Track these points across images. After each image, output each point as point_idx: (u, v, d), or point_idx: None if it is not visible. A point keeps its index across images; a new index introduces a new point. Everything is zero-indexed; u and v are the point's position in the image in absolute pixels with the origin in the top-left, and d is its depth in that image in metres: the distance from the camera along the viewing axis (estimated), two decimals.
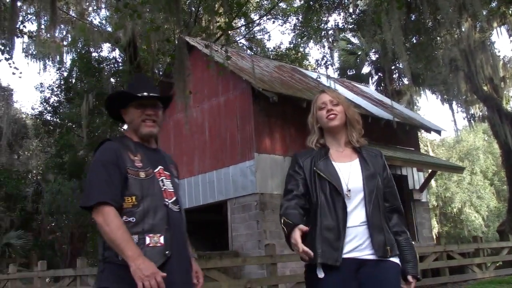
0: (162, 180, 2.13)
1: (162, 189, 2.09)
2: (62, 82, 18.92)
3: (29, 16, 14.38)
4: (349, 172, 2.16)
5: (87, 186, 2.02)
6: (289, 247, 2.04)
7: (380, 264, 2.07)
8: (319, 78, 13.98)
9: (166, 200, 2.08)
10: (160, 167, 2.17)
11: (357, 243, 2.07)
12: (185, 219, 2.21)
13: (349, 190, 2.11)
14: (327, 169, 2.16)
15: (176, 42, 8.76)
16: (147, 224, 1.98)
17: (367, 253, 2.07)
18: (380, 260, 2.07)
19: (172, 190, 2.15)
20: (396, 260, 2.13)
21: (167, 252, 1.97)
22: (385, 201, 2.19)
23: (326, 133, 2.27)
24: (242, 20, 20.51)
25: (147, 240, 1.96)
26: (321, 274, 2.03)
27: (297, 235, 1.95)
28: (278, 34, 64.54)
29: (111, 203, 1.94)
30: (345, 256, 2.03)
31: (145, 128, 2.19)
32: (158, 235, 1.98)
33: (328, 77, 14.91)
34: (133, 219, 1.98)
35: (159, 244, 1.97)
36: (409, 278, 2.12)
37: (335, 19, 53.91)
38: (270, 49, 22.78)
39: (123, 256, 1.86)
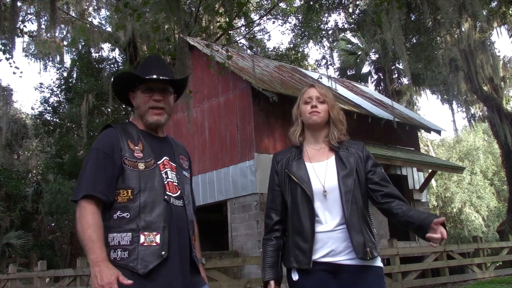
0: (166, 172, 1.94)
1: (165, 182, 1.91)
2: (62, 82, 18.91)
3: (29, 16, 14.40)
4: (325, 172, 2.11)
5: (79, 177, 1.87)
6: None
7: (361, 270, 2.01)
8: (321, 78, 13.99)
9: (169, 194, 1.89)
10: (165, 158, 1.98)
11: (330, 248, 2.02)
12: (192, 215, 2.03)
13: (325, 191, 2.06)
14: (299, 172, 2.12)
15: (177, 41, 8.75)
16: (142, 221, 1.81)
17: (343, 258, 2.02)
18: (361, 266, 2.01)
19: (177, 184, 1.96)
20: (378, 263, 2.07)
21: (163, 253, 1.79)
22: (379, 189, 2.10)
23: (306, 128, 2.23)
24: (242, 20, 20.51)
25: (142, 239, 1.79)
26: (295, 277, 2.05)
27: None
28: (278, 34, 64.57)
29: (97, 196, 1.79)
30: (319, 260, 2.02)
31: (151, 116, 1.99)
32: (154, 233, 1.80)
33: (329, 77, 14.92)
34: (127, 215, 1.82)
35: (154, 244, 1.79)
36: (432, 225, 1.86)
37: (335, 19, 53.89)
38: (270, 49, 22.81)
39: (88, 258, 1.73)
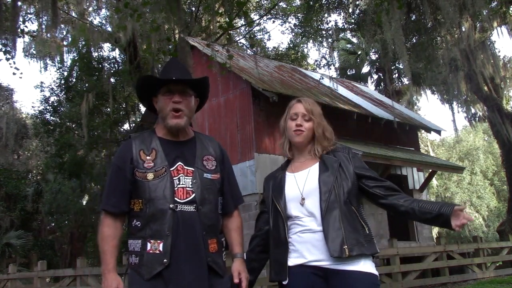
0: (179, 178, 1.98)
1: (175, 188, 1.95)
2: (62, 82, 18.90)
3: (29, 16, 14.39)
4: (306, 178, 2.14)
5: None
6: None
7: (349, 276, 1.94)
8: (322, 79, 13.99)
9: (177, 200, 1.94)
10: (179, 163, 2.00)
11: (309, 252, 2.02)
12: (211, 219, 2.05)
13: (303, 198, 2.09)
14: (276, 185, 2.23)
15: (177, 41, 8.75)
16: (149, 229, 1.93)
17: (325, 261, 1.98)
18: (349, 272, 1.94)
19: (191, 188, 1.98)
20: (369, 269, 1.97)
21: (164, 261, 1.89)
22: (379, 185, 2.10)
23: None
24: (242, 20, 20.50)
25: (148, 246, 1.92)
26: (285, 281, 2.09)
27: None
28: (278, 34, 64.56)
29: (111, 210, 1.98)
30: (308, 264, 2.02)
31: (171, 120, 2.01)
32: (158, 241, 1.91)
33: (330, 77, 14.92)
34: (139, 224, 1.96)
35: (157, 252, 1.90)
36: (455, 212, 1.92)
37: (335, 19, 53.90)
38: (270, 49, 22.80)
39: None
